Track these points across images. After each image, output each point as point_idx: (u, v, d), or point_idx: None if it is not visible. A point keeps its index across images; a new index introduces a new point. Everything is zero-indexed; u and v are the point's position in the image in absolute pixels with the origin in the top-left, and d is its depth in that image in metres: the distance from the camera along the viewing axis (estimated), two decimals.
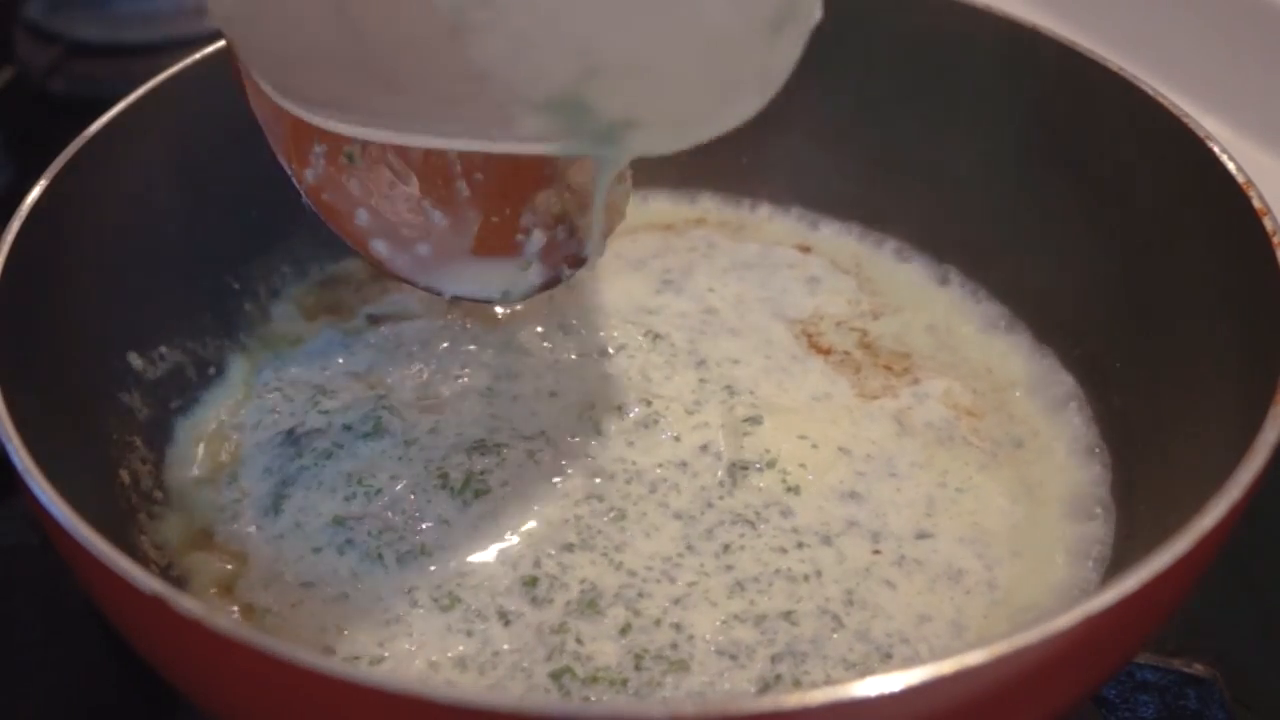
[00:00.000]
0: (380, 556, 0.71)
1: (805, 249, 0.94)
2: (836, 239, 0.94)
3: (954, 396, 0.82)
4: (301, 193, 0.76)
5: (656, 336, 0.85)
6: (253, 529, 0.74)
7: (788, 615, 0.68)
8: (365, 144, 0.76)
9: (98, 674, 0.78)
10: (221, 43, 0.81)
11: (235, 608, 0.70)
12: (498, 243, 0.80)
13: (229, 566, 0.72)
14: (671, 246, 0.93)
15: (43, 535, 0.60)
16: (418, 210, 0.78)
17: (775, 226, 0.96)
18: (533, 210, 0.80)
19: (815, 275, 0.91)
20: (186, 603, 0.52)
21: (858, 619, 0.69)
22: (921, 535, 0.73)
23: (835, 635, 0.68)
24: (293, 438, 0.78)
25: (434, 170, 0.78)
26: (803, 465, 0.76)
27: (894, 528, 0.73)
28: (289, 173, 0.76)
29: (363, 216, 0.77)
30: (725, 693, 0.65)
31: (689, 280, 0.90)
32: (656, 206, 0.97)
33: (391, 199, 0.78)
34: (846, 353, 0.85)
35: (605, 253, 0.81)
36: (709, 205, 0.97)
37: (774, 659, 0.66)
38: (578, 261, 0.80)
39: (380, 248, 0.77)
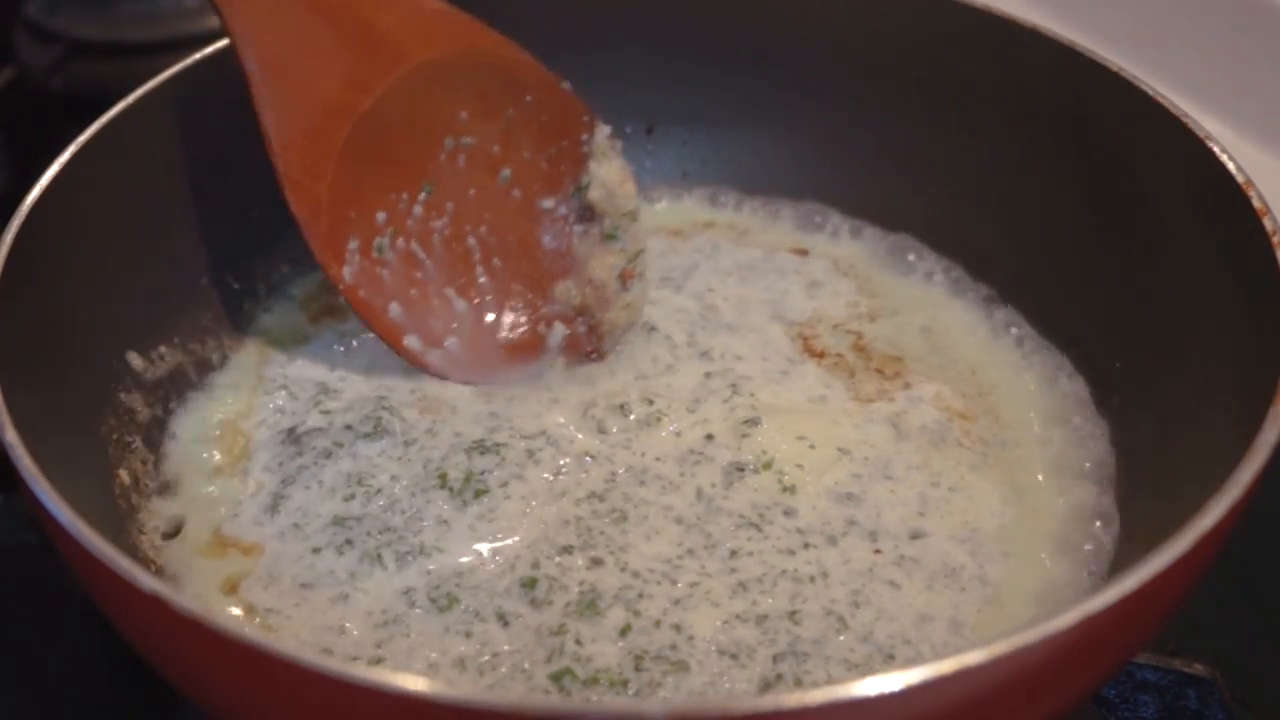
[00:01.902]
0: (379, 557, 0.71)
1: (804, 252, 0.94)
2: (838, 241, 0.94)
3: (944, 400, 0.82)
4: (340, 292, 0.80)
5: (652, 330, 0.85)
6: (253, 528, 0.74)
7: (791, 615, 0.68)
8: (393, 236, 0.81)
9: (98, 674, 0.78)
10: (222, 43, 0.81)
11: (235, 607, 0.70)
12: (521, 345, 0.84)
13: (229, 566, 0.72)
14: (676, 249, 0.93)
15: (43, 535, 0.60)
16: (442, 299, 0.82)
17: (779, 230, 0.96)
18: (552, 300, 0.84)
19: (817, 279, 0.91)
20: (186, 602, 0.52)
21: (862, 620, 0.69)
22: (915, 535, 0.73)
23: (840, 637, 0.68)
24: (293, 436, 0.78)
25: (455, 256, 0.83)
26: (800, 466, 0.76)
27: (889, 527, 0.73)
28: (327, 274, 0.80)
29: (395, 310, 0.81)
30: (726, 692, 0.65)
31: (689, 280, 0.90)
32: (664, 209, 0.98)
33: (419, 287, 0.82)
34: (840, 355, 0.85)
35: None
36: (717, 210, 0.97)
37: (775, 659, 0.66)
38: (598, 356, 0.84)
39: (413, 343, 0.81)
